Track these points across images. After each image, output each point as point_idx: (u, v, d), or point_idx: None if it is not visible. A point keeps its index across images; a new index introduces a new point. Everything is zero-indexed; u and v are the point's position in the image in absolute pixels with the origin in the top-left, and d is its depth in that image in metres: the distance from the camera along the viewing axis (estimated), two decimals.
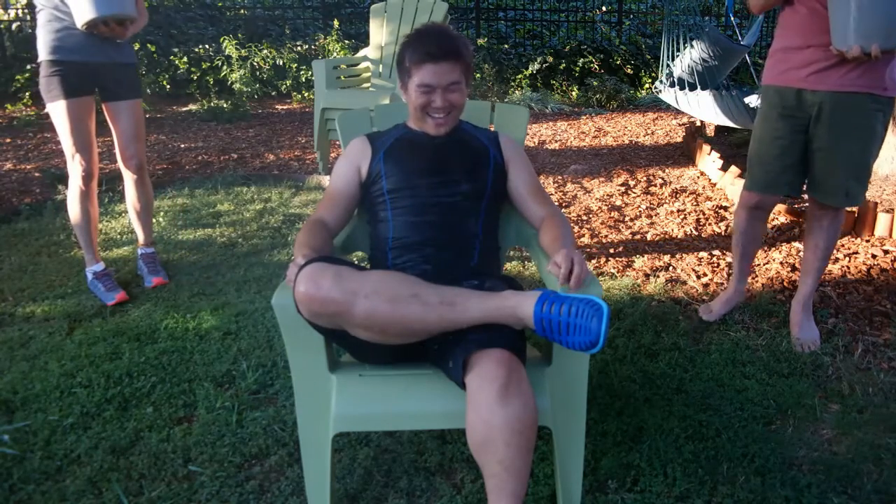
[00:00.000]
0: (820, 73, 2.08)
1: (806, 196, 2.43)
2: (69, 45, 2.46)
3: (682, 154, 5.08)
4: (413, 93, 1.66)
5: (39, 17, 2.47)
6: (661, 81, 4.92)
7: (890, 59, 2.02)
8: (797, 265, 2.89)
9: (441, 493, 1.60)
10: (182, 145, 5.39)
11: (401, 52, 1.69)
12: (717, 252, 3.09)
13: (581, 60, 8.01)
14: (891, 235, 3.13)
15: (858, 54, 1.92)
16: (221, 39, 7.16)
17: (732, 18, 6.75)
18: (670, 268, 2.93)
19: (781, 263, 2.93)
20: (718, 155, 4.31)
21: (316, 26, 8.39)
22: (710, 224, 3.46)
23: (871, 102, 2.05)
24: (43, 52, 2.47)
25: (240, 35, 7.51)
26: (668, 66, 4.98)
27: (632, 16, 9.60)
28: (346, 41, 7.46)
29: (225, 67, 7.14)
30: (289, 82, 7.49)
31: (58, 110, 2.49)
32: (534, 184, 1.79)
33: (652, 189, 4.10)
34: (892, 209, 3.25)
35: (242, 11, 8.51)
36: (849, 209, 2.95)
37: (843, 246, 3.08)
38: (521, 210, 1.80)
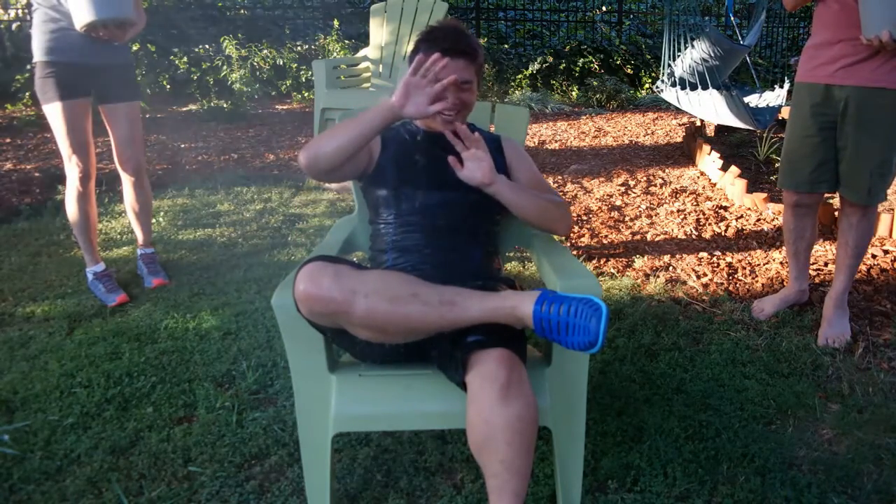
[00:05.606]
0: (849, 68, 2.07)
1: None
2: (64, 46, 2.42)
3: (682, 154, 5.08)
4: None
5: (35, 16, 2.42)
6: (662, 81, 4.93)
7: None
8: None
9: (441, 493, 1.60)
10: (182, 145, 5.39)
11: (415, 46, 1.68)
12: (717, 252, 3.09)
13: (581, 60, 8.01)
14: (891, 235, 3.13)
15: (888, 39, 1.90)
16: (221, 39, 7.15)
17: (732, 18, 6.75)
18: (670, 268, 2.93)
19: (782, 263, 2.93)
20: (718, 155, 4.31)
21: (316, 26, 8.39)
22: (710, 224, 3.46)
23: None
24: (38, 52, 2.43)
25: (240, 35, 7.51)
26: (669, 65, 4.98)
27: (632, 16, 9.61)
28: (346, 41, 7.46)
29: (225, 67, 7.14)
30: (289, 82, 7.48)
31: (53, 112, 2.46)
32: (535, 179, 1.79)
33: (652, 189, 4.10)
34: (893, 209, 3.25)
35: (242, 11, 8.50)
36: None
37: None
38: None
